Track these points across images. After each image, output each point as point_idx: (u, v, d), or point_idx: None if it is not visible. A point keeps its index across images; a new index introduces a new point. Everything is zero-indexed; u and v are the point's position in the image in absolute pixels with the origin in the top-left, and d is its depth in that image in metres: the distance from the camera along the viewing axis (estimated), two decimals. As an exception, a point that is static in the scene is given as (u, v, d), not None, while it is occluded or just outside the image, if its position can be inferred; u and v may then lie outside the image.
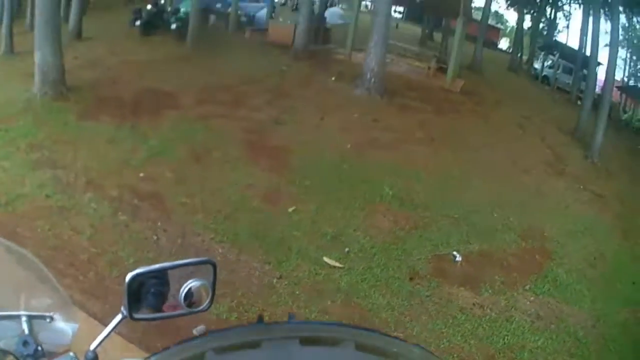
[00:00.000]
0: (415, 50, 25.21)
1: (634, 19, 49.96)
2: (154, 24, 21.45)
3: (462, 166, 10.30)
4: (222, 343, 1.56)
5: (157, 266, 1.66)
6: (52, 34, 11.58)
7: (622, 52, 52.15)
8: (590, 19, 29.09)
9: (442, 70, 20.50)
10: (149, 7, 22.43)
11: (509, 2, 51.18)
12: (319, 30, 22.89)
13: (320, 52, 20.91)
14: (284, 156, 8.93)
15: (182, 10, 21.16)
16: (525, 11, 45.30)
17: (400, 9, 58.51)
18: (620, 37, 47.59)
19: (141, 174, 7.42)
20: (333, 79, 16.07)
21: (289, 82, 15.03)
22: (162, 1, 24.96)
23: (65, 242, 6.05)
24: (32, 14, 21.85)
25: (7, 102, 10.97)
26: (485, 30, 32.18)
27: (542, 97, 27.47)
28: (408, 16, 59.06)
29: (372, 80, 14.56)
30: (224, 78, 14.61)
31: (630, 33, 53.51)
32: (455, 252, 7.12)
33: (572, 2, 47.20)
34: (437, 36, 37.99)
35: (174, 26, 20.51)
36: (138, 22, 21.34)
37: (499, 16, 63.96)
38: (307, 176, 8.08)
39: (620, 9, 20.19)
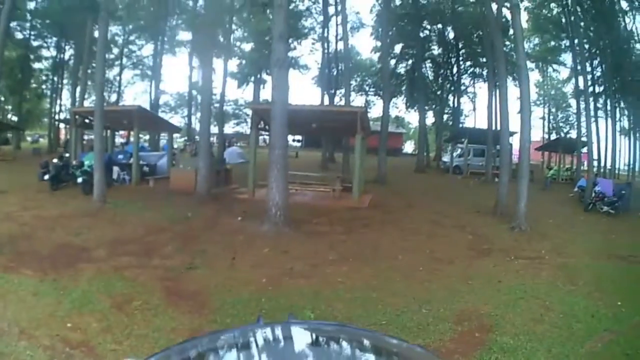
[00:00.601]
0: (318, 175, 26.02)
1: (547, 71, 53.32)
2: (61, 177, 21.82)
3: (381, 276, 10.54)
4: (222, 343, 1.67)
5: None
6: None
7: (539, 111, 55.00)
8: (497, 91, 30.89)
9: (348, 189, 21.94)
10: (55, 160, 22.83)
11: (407, 104, 53.92)
12: (220, 172, 24.16)
13: (223, 193, 21.99)
14: (202, 298, 9.12)
15: (87, 163, 21.59)
16: (427, 107, 47.53)
17: (299, 137, 60.66)
18: (535, 96, 50.14)
19: (69, 324, 7.57)
20: (239, 218, 16.67)
21: (196, 228, 15.50)
22: (67, 154, 25.48)
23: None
24: None
25: None
26: (387, 139, 33.26)
27: (455, 188, 28.65)
28: (307, 143, 61.09)
29: (278, 213, 15.12)
30: (133, 229, 14.97)
31: (545, 87, 56.77)
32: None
33: (475, 81, 50.48)
34: (339, 156, 38.82)
35: (80, 180, 20.92)
36: (47, 176, 21.66)
37: (399, 120, 66.56)
38: (228, 314, 8.26)
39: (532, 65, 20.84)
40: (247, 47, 55.88)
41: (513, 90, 31.45)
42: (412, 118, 72.30)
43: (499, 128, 25.51)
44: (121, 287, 9.65)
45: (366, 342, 1.76)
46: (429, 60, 50.41)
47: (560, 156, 45.28)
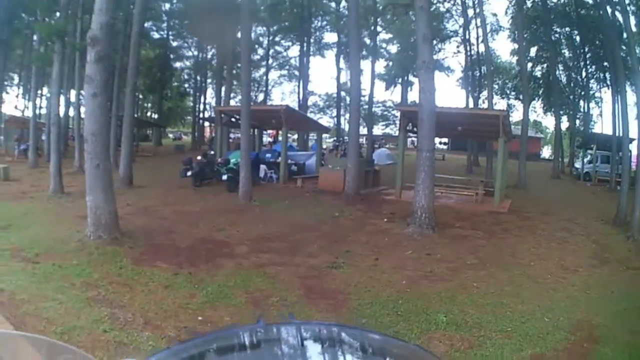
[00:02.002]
0: (462, 179, 26.08)
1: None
2: (205, 174, 22.27)
3: (513, 282, 10.41)
4: (222, 343, 1.63)
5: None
6: (103, 179, 11.99)
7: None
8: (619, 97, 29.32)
9: (489, 194, 22.26)
10: (199, 157, 23.22)
11: (545, 108, 52.13)
12: (369, 173, 23.99)
13: (371, 194, 21.86)
14: (341, 298, 8.99)
15: (232, 161, 21.97)
16: (561, 112, 45.71)
17: (445, 139, 60.15)
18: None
19: (199, 317, 7.41)
20: (385, 220, 16.72)
21: (342, 227, 15.55)
22: (212, 152, 25.87)
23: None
24: (81, 156, 23.00)
25: (60, 241, 11.44)
26: (527, 144, 33.38)
27: (584, 195, 28.47)
28: (453, 146, 60.62)
29: (423, 216, 15.07)
30: (277, 227, 14.99)
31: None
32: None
33: (600, 86, 47.87)
34: (482, 160, 39.71)
35: (225, 177, 21.25)
36: (189, 173, 22.08)
37: (537, 124, 64.72)
38: (364, 314, 8.12)
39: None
40: (393, 48, 56.40)
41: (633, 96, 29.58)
42: (549, 122, 69.79)
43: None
44: (260, 283, 9.52)
45: (366, 342, 1.73)
46: (561, 64, 48.14)
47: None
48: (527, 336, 7.56)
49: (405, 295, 9.15)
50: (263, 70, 57.46)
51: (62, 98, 26.49)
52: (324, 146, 42.02)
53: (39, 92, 39.87)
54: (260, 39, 54.39)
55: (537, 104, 53.86)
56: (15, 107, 53.00)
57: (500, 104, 54.47)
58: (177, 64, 58.15)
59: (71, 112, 34.87)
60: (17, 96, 55.42)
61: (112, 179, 12.75)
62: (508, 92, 55.44)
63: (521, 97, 45.17)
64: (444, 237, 14.51)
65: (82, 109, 26.05)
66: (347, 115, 39.13)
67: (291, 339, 1.67)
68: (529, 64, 46.38)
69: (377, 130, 65.62)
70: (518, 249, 13.68)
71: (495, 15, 46.26)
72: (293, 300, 8.61)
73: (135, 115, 36.50)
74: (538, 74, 50.11)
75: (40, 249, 10.62)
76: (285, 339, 1.68)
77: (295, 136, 51.28)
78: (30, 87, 40.04)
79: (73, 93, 32.88)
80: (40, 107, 42.71)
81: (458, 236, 14.83)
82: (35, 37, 35.57)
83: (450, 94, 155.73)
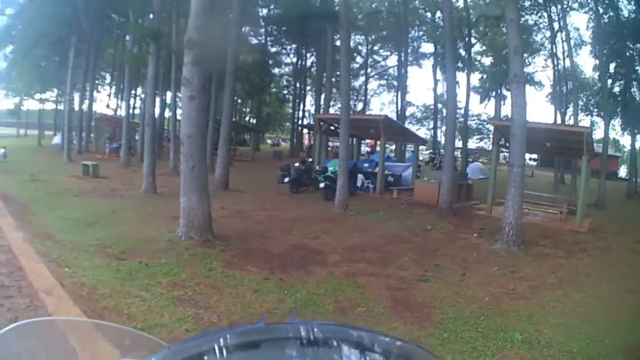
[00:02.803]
0: (549, 196, 25.93)
1: None
2: (302, 181, 22.50)
3: (585, 303, 10.43)
4: (222, 343, 1.59)
5: None
6: (198, 181, 12.21)
7: None
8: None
9: (572, 212, 22.10)
10: (297, 164, 23.44)
11: (623, 126, 50.37)
12: (462, 187, 24.17)
13: (463, 208, 22.16)
14: (426, 311, 9.02)
15: (330, 169, 22.04)
16: (635, 131, 44.10)
17: (535, 156, 59.02)
18: None
19: None
20: (475, 235, 16.86)
21: (433, 241, 15.61)
22: (310, 159, 26.07)
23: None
24: (176, 158, 23.57)
25: (149, 240, 11.77)
26: (607, 162, 33.44)
27: None
28: (542, 163, 59.44)
29: (510, 232, 15.16)
30: (371, 237, 15.12)
31: None
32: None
33: None
34: (568, 177, 39.92)
35: (322, 185, 21.47)
36: (286, 179, 22.32)
37: (616, 142, 62.73)
38: (446, 329, 8.18)
39: None
40: (487, 61, 56.05)
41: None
42: (626, 141, 67.48)
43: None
44: (349, 293, 9.59)
45: (366, 342, 1.68)
46: (635, 81, 46.33)
47: None
48: (588, 357, 7.74)
49: (487, 311, 9.30)
50: (362, 79, 57.91)
51: (157, 99, 27.14)
52: (420, 158, 41.81)
53: (132, 92, 41.46)
54: (359, 47, 54.90)
55: (616, 122, 52.31)
56: (107, 106, 54.92)
57: (584, 120, 53.18)
58: (276, 70, 59.31)
59: (167, 114, 35.83)
60: (108, 95, 57.54)
61: (207, 182, 12.96)
62: (592, 108, 54.34)
63: (602, 114, 44.23)
64: (528, 254, 14.57)
65: (179, 111, 26.66)
66: (444, 128, 38.86)
67: (292, 339, 1.66)
68: (609, 81, 44.71)
69: (472, 143, 65.52)
70: (593, 269, 13.73)
71: (577, 29, 45.31)
72: (379, 312, 8.73)
73: (234, 120, 37.14)
74: (616, 90, 48.70)
75: (127, 247, 10.94)
76: (285, 339, 1.67)
77: (393, 146, 51.11)
78: (123, 87, 41.34)
79: (169, 94, 33.74)
80: (134, 107, 44.17)
81: (541, 254, 14.85)
82: (127, 38, 36.79)
83: (540, 109, 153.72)
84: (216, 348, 1.56)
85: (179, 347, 1.63)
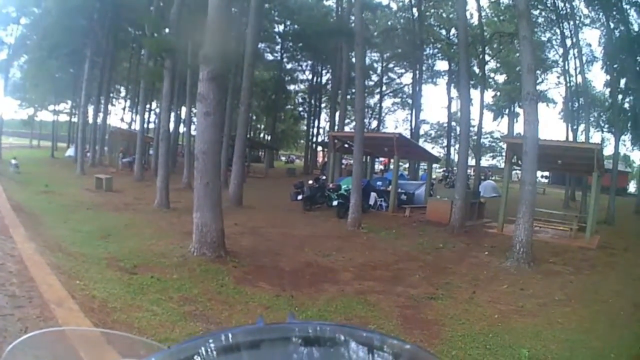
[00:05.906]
0: (559, 213, 26.79)
1: None
2: (315, 199, 22.56)
3: (593, 319, 10.47)
4: (222, 344, 1.40)
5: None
6: (211, 198, 12.23)
7: None
8: None
9: (582, 229, 21.97)
10: (310, 182, 23.47)
11: (632, 142, 50.18)
12: (474, 205, 24.09)
13: (475, 227, 22.31)
14: (436, 329, 9.09)
15: (344, 187, 22.03)
16: None
17: (547, 173, 58.98)
18: None
19: None
20: (486, 253, 16.82)
21: (444, 259, 15.68)
22: (324, 177, 26.09)
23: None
24: (190, 173, 23.61)
25: (161, 254, 11.84)
26: (617, 178, 33.56)
27: None
28: (553, 180, 59.50)
29: (521, 250, 15.25)
30: (383, 255, 15.17)
31: None
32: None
33: None
34: (578, 195, 39.80)
35: (335, 202, 21.42)
36: (300, 197, 22.35)
37: (626, 158, 62.55)
38: (455, 346, 8.26)
39: None
40: (500, 78, 56.19)
41: None
42: (636, 156, 67.28)
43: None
44: (359, 310, 9.68)
45: (366, 342, 1.44)
46: None
47: None
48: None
49: (495, 329, 9.39)
50: (377, 97, 58.06)
51: (171, 114, 27.25)
52: (433, 176, 41.77)
53: (147, 106, 41.52)
54: (375, 64, 55.09)
55: (626, 137, 52.13)
56: (122, 120, 55.56)
57: (595, 136, 53.35)
58: (292, 87, 59.46)
59: (181, 129, 35.90)
60: (123, 109, 58.01)
61: (220, 198, 13.00)
62: (602, 124, 54.12)
63: (613, 130, 44.48)
64: (538, 272, 14.66)
65: (193, 126, 26.72)
66: (457, 146, 38.84)
67: (291, 339, 1.43)
68: (619, 96, 44.96)
69: (484, 161, 65.67)
70: (601, 286, 13.76)
71: (589, 45, 45.27)
72: (389, 329, 8.77)
73: (248, 136, 37.27)
74: (627, 106, 48.54)
75: (139, 261, 11.02)
76: (285, 339, 1.44)
77: (407, 164, 51.08)
78: (137, 101, 41.81)
79: (184, 109, 33.84)
80: (148, 121, 44.30)
81: (550, 272, 14.93)
82: (143, 52, 36.96)
83: (553, 126, 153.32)
84: (216, 348, 1.35)
85: (179, 347, 1.40)
